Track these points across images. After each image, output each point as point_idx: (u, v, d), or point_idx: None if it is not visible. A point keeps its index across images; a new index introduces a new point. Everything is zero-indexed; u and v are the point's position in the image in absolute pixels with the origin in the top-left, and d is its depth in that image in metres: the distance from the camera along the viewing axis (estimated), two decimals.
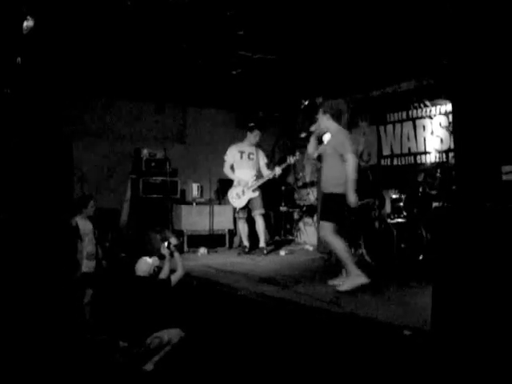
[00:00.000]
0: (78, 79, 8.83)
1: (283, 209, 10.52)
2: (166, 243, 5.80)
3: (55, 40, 6.87)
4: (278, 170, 8.64)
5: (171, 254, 5.74)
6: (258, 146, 9.05)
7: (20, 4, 5.73)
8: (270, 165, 9.27)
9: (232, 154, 8.82)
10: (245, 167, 8.75)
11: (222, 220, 9.58)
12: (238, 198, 8.71)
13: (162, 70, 8.45)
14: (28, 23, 5.91)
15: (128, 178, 9.84)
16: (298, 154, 8.84)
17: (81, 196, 7.90)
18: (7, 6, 5.68)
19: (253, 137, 8.82)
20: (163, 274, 5.54)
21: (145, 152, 9.82)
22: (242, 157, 8.78)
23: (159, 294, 5.26)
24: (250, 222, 8.84)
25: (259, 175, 8.80)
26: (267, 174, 8.72)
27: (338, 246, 5.81)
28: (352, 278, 5.71)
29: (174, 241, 5.88)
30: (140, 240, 8.36)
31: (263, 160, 8.91)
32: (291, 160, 8.73)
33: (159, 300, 5.19)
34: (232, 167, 8.89)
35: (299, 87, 9.86)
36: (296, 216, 10.75)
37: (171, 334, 4.87)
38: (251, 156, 8.78)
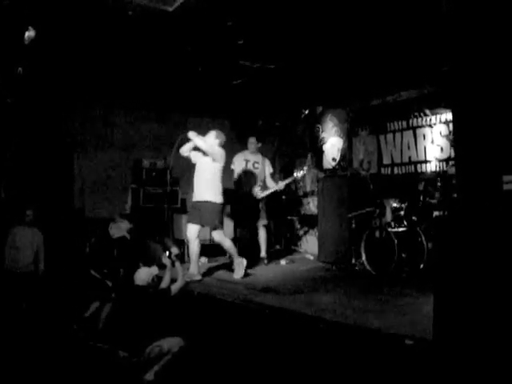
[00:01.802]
0: (80, 88, 8.87)
1: (289, 218, 10.54)
2: (167, 253, 5.80)
3: (56, 50, 6.90)
4: (282, 185, 8.62)
5: (172, 264, 5.74)
6: (264, 155, 9.01)
7: (22, 14, 5.75)
8: (275, 175, 9.22)
9: (238, 163, 8.76)
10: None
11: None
12: None
13: (162, 79, 8.47)
14: (29, 34, 5.93)
15: (129, 187, 9.85)
16: (305, 168, 8.84)
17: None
18: (9, 16, 5.70)
19: (249, 144, 8.79)
20: (164, 284, 5.53)
21: (145, 162, 9.83)
22: (247, 165, 8.73)
23: (158, 303, 5.23)
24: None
25: (264, 186, 8.75)
26: (272, 185, 8.67)
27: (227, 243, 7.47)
28: (238, 266, 7.33)
29: (174, 250, 5.89)
30: (140, 249, 8.35)
31: (269, 170, 8.86)
32: (298, 175, 8.72)
33: (158, 309, 5.16)
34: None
35: (299, 96, 9.88)
36: (297, 225, 10.73)
37: (171, 343, 4.85)
38: (256, 165, 8.72)
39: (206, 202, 7.20)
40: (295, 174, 8.71)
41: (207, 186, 7.24)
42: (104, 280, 6.60)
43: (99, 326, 6.29)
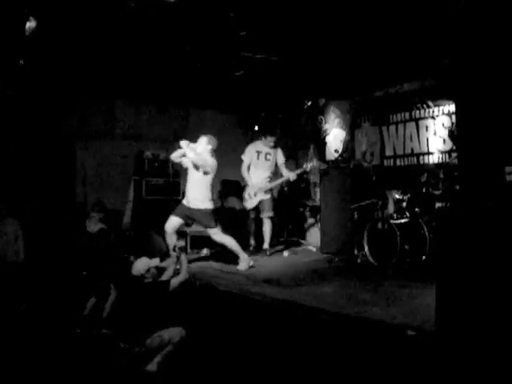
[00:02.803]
0: (82, 81, 8.83)
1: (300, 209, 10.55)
2: (172, 245, 5.80)
3: (58, 42, 6.87)
4: (292, 176, 8.62)
5: (177, 257, 5.72)
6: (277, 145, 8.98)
7: (22, 5, 5.73)
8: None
9: (250, 154, 8.76)
10: (260, 168, 8.71)
11: None
12: (249, 198, 8.71)
13: (164, 71, 8.44)
14: (30, 24, 5.91)
15: (131, 178, 9.85)
16: (315, 160, 8.83)
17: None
18: (9, 7, 5.68)
19: (267, 142, 8.75)
20: (165, 276, 5.51)
21: (147, 153, 9.82)
22: (258, 157, 8.73)
23: (154, 294, 5.20)
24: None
25: (273, 177, 8.79)
26: (286, 173, 8.67)
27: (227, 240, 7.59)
28: (243, 261, 7.50)
29: (179, 243, 5.87)
30: (143, 241, 8.37)
31: (281, 159, 8.83)
32: (308, 167, 8.71)
33: (156, 301, 5.14)
34: (248, 167, 8.83)
35: (302, 88, 9.85)
36: (306, 216, 10.70)
37: (172, 333, 4.86)
38: (268, 156, 8.73)
39: (197, 209, 7.39)
40: (305, 166, 8.71)
41: (197, 194, 7.40)
42: (97, 276, 6.63)
43: (104, 314, 6.35)
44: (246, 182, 8.79)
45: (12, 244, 7.43)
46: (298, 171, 8.77)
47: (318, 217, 9.49)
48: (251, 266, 7.53)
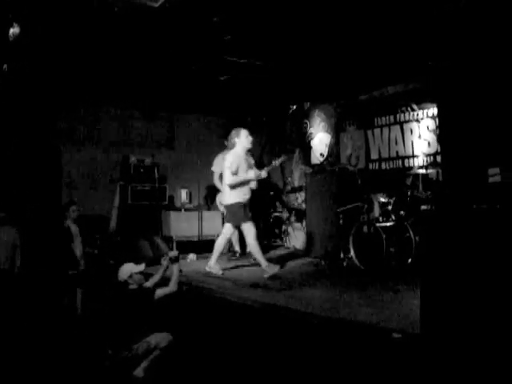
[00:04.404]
0: (68, 86, 8.81)
1: (276, 214, 10.56)
2: (166, 254, 5.71)
3: (43, 47, 6.85)
4: (263, 173, 8.65)
5: (167, 266, 5.63)
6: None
7: (6, 11, 5.70)
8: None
9: (219, 164, 8.78)
10: None
11: (211, 226, 9.58)
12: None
13: (149, 77, 8.44)
14: (14, 30, 5.89)
15: (117, 184, 9.82)
16: (282, 156, 8.90)
17: (65, 202, 8.05)
18: None
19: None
20: (149, 283, 5.42)
21: (133, 159, 9.80)
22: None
23: (136, 301, 5.14)
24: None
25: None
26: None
27: None
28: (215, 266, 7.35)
29: (172, 253, 5.77)
30: (129, 246, 8.34)
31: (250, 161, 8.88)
32: (276, 163, 8.79)
33: (139, 307, 5.08)
34: (221, 176, 8.84)
35: (287, 92, 9.89)
36: (285, 220, 10.74)
37: (158, 339, 4.84)
38: None
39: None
40: (273, 162, 8.79)
41: None
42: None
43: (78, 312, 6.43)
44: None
45: (6, 251, 7.39)
46: (268, 168, 8.84)
47: (304, 220, 9.51)
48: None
